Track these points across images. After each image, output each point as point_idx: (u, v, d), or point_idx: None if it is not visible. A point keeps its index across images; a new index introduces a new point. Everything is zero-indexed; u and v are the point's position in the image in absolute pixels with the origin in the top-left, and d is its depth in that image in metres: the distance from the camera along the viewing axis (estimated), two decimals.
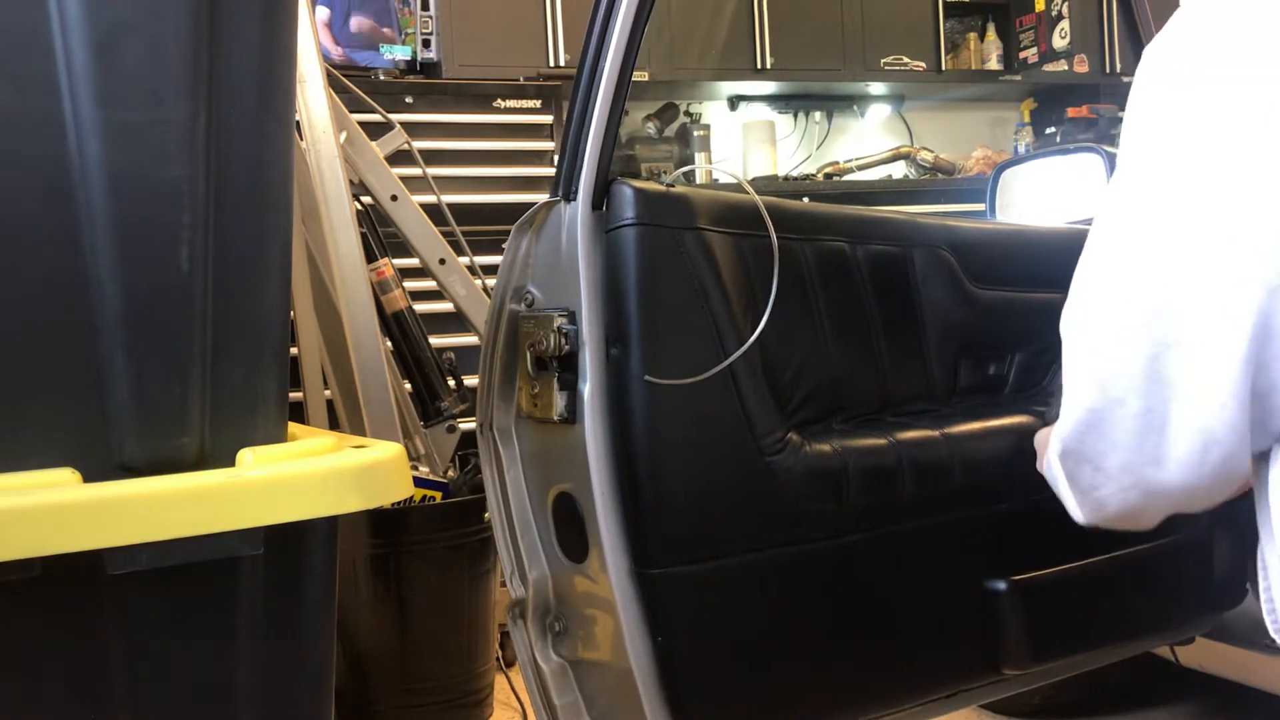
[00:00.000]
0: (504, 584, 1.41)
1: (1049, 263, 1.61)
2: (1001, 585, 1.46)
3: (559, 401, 1.25)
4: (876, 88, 4.52)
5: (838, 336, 1.41)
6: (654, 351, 1.22)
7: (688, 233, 1.27)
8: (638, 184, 1.25)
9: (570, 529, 1.29)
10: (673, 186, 1.28)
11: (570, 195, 1.26)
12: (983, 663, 1.47)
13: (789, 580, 1.32)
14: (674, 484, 1.24)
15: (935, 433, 1.43)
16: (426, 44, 3.55)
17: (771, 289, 1.29)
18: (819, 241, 1.41)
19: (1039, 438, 1.14)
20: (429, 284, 2.41)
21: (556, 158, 1.30)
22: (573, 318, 1.24)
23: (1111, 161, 1.80)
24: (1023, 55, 4.65)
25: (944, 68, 4.48)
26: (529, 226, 1.32)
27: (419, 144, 2.50)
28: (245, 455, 0.99)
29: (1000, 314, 1.56)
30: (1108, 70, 4.50)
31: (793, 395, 1.35)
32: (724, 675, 1.29)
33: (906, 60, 4.39)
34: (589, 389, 1.23)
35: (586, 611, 1.32)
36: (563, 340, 1.23)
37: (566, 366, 1.25)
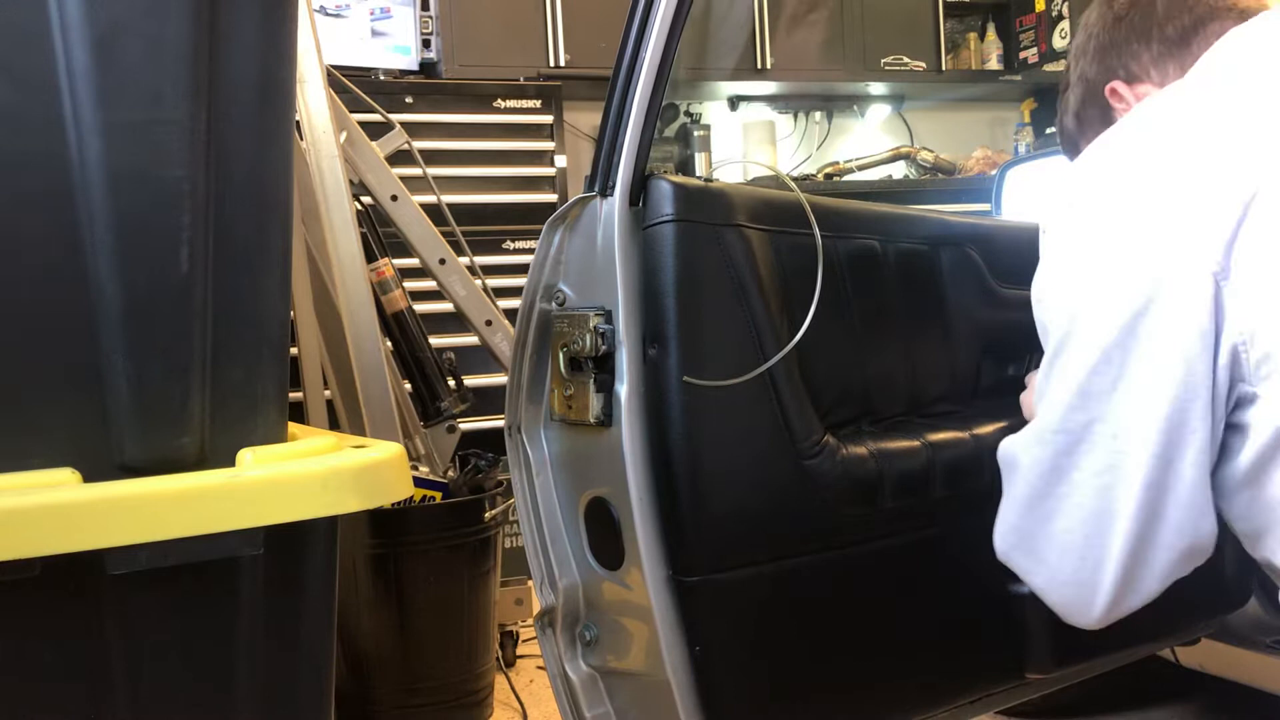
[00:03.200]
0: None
1: None
2: (1025, 588, 1.44)
3: (595, 403, 1.21)
4: (876, 88, 4.52)
5: (869, 337, 1.38)
6: (693, 352, 1.19)
7: (728, 229, 1.23)
8: (676, 179, 1.21)
9: (604, 535, 1.26)
10: (711, 181, 1.25)
11: (607, 190, 1.22)
12: (1007, 666, 1.45)
13: (825, 586, 1.29)
14: (713, 488, 1.20)
15: (964, 434, 1.41)
16: (426, 44, 3.55)
17: (815, 288, 1.25)
18: (852, 239, 1.37)
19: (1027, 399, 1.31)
20: (429, 284, 2.41)
21: (592, 152, 1.28)
22: (609, 317, 1.20)
23: None
24: (1023, 55, 4.65)
25: (944, 68, 4.48)
26: (561, 223, 1.27)
27: (419, 144, 2.50)
28: (245, 455, 0.99)
29: (1021, 313, 1.54)
30: None
31: (825, 397, 1.32)
32: (762, 685, 1.26)
33: (906, 60, 4.39)
34: (626, 390, 1.19)
35: (619, 620, 1.29)
36: (599, 340, 1.20)
37: (602, 367, 1.21)
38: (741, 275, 1.23)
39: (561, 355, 1.25)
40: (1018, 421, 1.46)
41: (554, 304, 1.28)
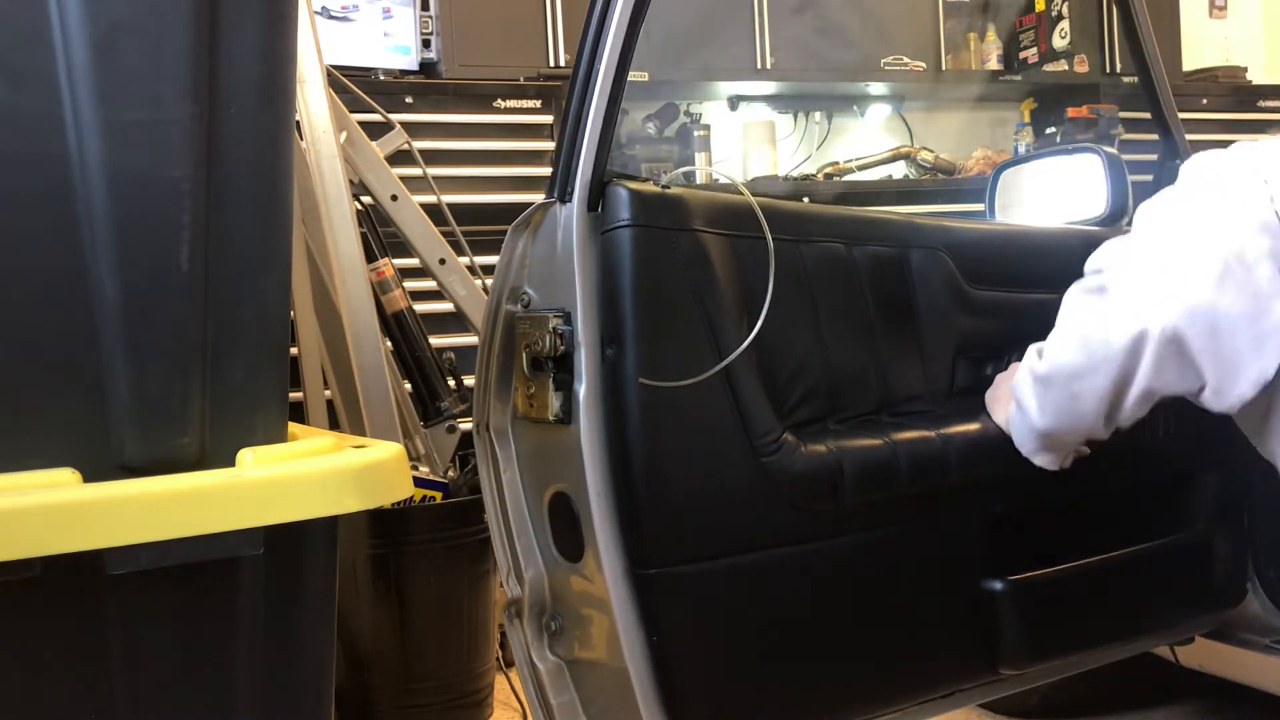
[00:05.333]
0: (503, 584, 1.41)
1: (1045, 263, 1.61)
2: (998, 585, 1.46)
3: (554, 402, 1.25)
4: (876, 88, 4.51)
5: (835, 337, 1.41)
6: (649, 352, 1.22)
7: (683, 234, 1.27)
8: (633, 185, 1.25)
9: (566, 528, 1.29)
10: (669, 188, 1.28)
11: (566, 196, 1.26)
12: (980, 662, 1.47)
13: (784, 580, 1.32)
14: (669, 484, 1.24)
15: (931, 433, 1.43)
16: (426, 44, 3.55)
17: (768, 290, 1.29)
18: (815, 243, 1.41)
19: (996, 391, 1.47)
20: (429, 284, 2.41)
21: (552, 159, 1.31)
22: (568, 318, 1.24)
23: (1110, 161, 1.79)
24: (1023, 55, 4.65)
25: (944, 68, 4.47)
26: (525, 228, 1.32)
27: (419, 144, 2.50)
28: (245, 455, 0.99)
29: (997, 314, 1.56)
30: (1108, 70, 4.50)
31: (789, 396, 1.35)
32: (719, 675, 1.29)
33: (906, 60, 4.39)
34: (584, 390, 1.23)
35: (582, 611, 1.32)
36: (558, 341, 1.23)
37: (562, 367, 1.25)
38: (697, 278, 1.27)
39: (524, 355, 1.28)
40: (990, 420, 1.48)
41: (519, 306, 1.32)
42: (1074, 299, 1.29)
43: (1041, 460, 1.40)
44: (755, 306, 1.29)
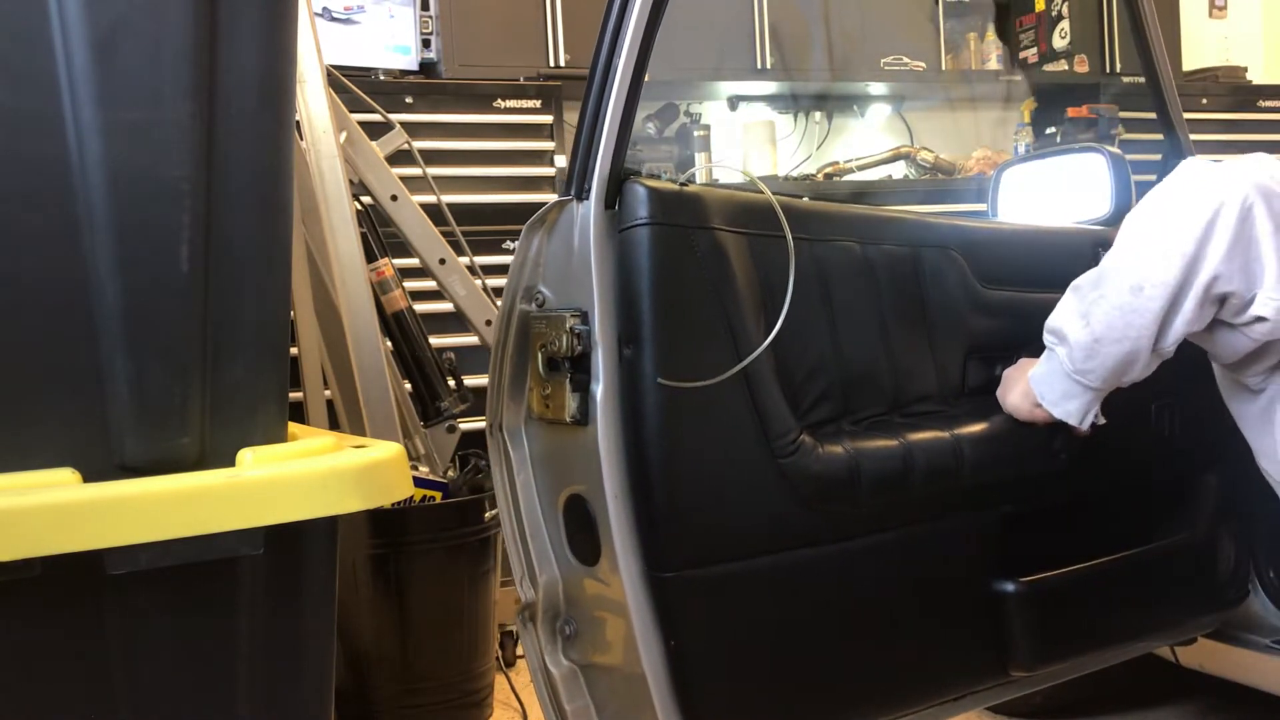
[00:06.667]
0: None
1: (1057, 263, 1.61)
2: (1010, 586, 1.45)
3: (571, 403, 1.23)
4: (876, 88, 4.51)
5: (849, 337, 1.40)
6: (667, 352, 1.21)
7: (701, 232, 1.25)
8: (651, 183, 1.23)
9: (581, 531, 1.28)
10: (686, 185, 1.26)
11: (583, 194, 1.24)
12: (991, 664, 1.46)
13: (802, 583, 1.31)
14: (687, 486, 1.22)
15: (945, 434, 1.42)
16: (426, 44, 3.55)
17: (788, 290, 1.27)
18: (831, 241, 1.40)
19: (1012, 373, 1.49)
20: (429, 284, 2.41)
21: (569, 156, 1.29)
22: (585, 318, 1.23)
23: (1114, 160, 1.79)
24: (1023, 55, 4.65)
25: (944, 68, 4.47)
26: (540, 226, 1.30)
27: (419, 144, 2.50)
28: (245, 455, 0.99)
29: (1007, 314, 1.55)
30: (1108, 70, 4.49)
31: (805, 396, 1.34)
32: (736, 679, 1.28)
33: (906, 60, 4.39)
34: (601, 390, 1.21)
35: (598, 615, 1.31)
36: (575, 341, 1.22)
37: (579, 367, 1.23)
38: (715, 277, 1.25)
39: (540, 355, 1.27)
40: (1002, 420, 1.47)
41: (534, 305, 1.31)
42: (1136, 212, 1.32)
43: (1067, 409, 1.37)
44: (773, 305, 1.28)
